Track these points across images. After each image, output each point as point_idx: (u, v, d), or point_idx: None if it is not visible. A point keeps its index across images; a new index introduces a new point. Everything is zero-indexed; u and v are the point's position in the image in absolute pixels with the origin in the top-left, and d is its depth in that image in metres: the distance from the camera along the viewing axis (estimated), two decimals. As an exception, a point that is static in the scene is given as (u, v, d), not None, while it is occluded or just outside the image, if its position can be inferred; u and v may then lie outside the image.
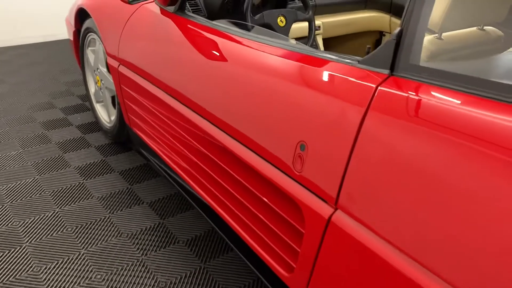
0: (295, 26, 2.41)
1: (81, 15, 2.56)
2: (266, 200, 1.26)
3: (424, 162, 0.84)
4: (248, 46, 1.39)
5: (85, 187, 2.17)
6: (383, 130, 0.93)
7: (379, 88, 0.98)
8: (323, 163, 1.04)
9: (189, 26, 1.67)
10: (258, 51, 1.35)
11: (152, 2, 1.94)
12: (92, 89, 2.71)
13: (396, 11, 2.74)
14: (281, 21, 2.02)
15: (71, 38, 2.83)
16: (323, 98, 1.09)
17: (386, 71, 1.01)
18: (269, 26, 2.00)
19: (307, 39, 2.14)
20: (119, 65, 2.04)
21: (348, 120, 1.01)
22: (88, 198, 2.09)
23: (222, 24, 1.59)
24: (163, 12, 1.83)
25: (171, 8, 1.81)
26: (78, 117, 2.95)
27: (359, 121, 0.98)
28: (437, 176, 0.81)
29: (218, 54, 1.48)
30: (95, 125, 2.82)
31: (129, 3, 1.58)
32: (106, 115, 2.61)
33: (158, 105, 1.79)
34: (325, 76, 1.11)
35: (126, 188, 2.17)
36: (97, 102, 2.68)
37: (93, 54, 2.53)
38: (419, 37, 0.98)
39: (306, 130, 1.09)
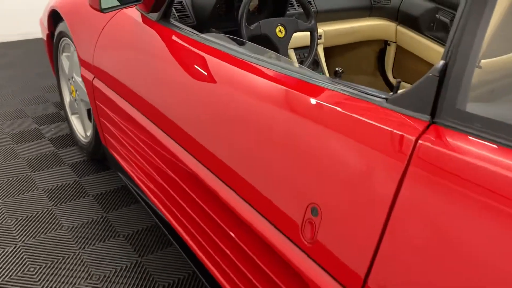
0: (295, 34, 2.17)
1: (55, 16, 2.29)
2: (263, 266, 1.01)
3: (488, 246, 0.61)
4: (242, 69, 1.14)
5: (53, 216, 1.91)
6: (427, 201, 0.69)
7: (419, 141, 0.75)
8: (343, 236, 0.80)
9: (173, 38, 1.41)
10: (254, 76, 1.10)
11: (133, 7, 1.67)
12: (67, 98, 2.44)
13: (403, 19, 2.50)
14: (280, 31, 1.78)
15: (45, 39, 2.55)
16: (342, 148, 0.84)
17: (426, 117, 0.78)
18: (267, 38, 1.76)
19: (309, 50, 1.90)
20: (93, 78, 1.78)
21: (378, 183, 0.77)
22: (56, 229, 1.83)
23: (212, 38, 1.33)
24: (144, 20, 1.57)
25: (153, 16, 1.55)
26: (52, 128, 2.67)
27: (394, 186, 0.74)
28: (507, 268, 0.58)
29: (206, 75, 1.23)
30: (70, 138, 2.55)
31: (102, 11, 1.32)
32: (81, 129, 2.34)
33: (136, 128, 1.54)
34: (344, 118, 0.87)
35: (100, 218, 1.91)
36: (72, 113, 2.41)
37: (68, 61, 2.26)
38: (469, 73, 0.74)
39: (319, 190, 0.85)
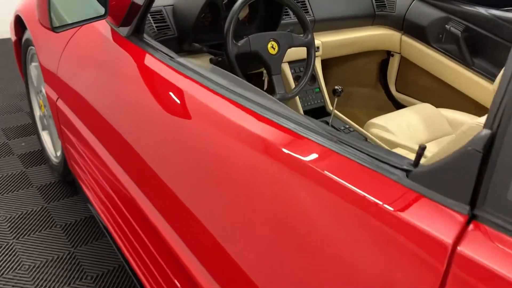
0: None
1: (22, 22, 2.04)
2: None
3: None
4: (224, 108, 0.92)
5: (14, 252, 1.68)
6: None
7: (458, 248, 0.53)
8: None
9: (144, 61, 1.18)
10: (237, 119, 0.88)
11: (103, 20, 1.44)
12: (37, 112, 2.20)
13: (409, 28, 2.28)
14: (272, 47, 1.55)
15: (14, 45, 2.31)
16: (346, 246, 0.63)
17: (463, 208, 0.57)
18: (257, 55, 1.53)
19: (305, 67, 1.67)
20: (57, 99, 1.55)
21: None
22: (15, 269, 1.60)
23: (189, 63, 1.11)
24: (114, 35, 1.34)
25: (124, 31, 1.32)
26: (22, 142, 2.43)
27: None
28: None
29: (178, 108, 1.01)
30: (41, 155, 2.31)
31: (53, 30, 1.09)
32: (52, 148, 2.10)
33: (97, 161, 1.31)
34: (350, 201, 0.65)
35: (67, 254, 1.69)
36: (43, 129, 2.18)
37: (37, 71, 2.03)
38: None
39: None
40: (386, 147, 1.80)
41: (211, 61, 1.53)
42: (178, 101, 1.03)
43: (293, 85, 1.94)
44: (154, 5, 1.62)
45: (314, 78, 2.05)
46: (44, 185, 2.07)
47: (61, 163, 1.93)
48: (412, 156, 1.64)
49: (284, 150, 0.77)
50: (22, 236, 1.76)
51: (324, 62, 2.18)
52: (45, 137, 2.16)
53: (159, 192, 1.04)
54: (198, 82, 1.02)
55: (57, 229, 1.80)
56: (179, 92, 1.04)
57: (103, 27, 1.38)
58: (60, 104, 1.51)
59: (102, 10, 1.14)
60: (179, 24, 1.64)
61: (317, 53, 2.06)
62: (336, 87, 1.81)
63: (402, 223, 0.58)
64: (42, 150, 2.29)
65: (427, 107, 2.06)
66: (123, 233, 1.28)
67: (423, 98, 2.37)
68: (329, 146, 0.74)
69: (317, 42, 2.06)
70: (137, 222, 1.16)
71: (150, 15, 1.60)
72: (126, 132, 1.17)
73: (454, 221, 0.55)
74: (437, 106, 2.23)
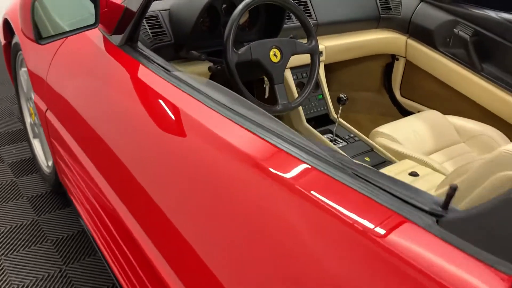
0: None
1: (10, 26, 1.95)
2: None
3: None
4: (223, 128, 0.84)
5: (2, 270, 1.59)
6: None
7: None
8: None
9: (137, 73, 1.10)
10: (236, 142, 0.80)
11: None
12: (27, 119, 2.11)
13: (415, 31, 2.20)
14: (274, 55, 1.46)
15: (3, 49, 2.21)
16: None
17: (510, 268, 0.49)
18: (259, 63, 1.44)
19: (308, 76, 1.58)
20: (46, 110, 1.46)
21: None
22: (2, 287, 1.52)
23: (187, 78, 1.02)
24: (106, 43, 1.25)
25: (116, 39, 1.23)
26: (13, 149, 2.34)
27: None
28: None
29: (171, 126, 0.93)
30: (32, 163, 2.22)
31: (39, 42, 1.00)
32: (43, 157, 2.02)
33: (91, 182, 1.23)
34: (370, 254, 0.57)
35: (58, 272, 1.60)
36: (34, 137, 2.09)
37: (27, 77, 1.93)
38: None
39: None
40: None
41: (210, 69, 1.44)
42: (173, 118, 0.95)
43: (295, 92, 1.85)
44: (149, 9, 1.53)
45: (317, 84, 1.97)
46: (35, 196, 1.98)
47: (53, 174, 1.85)
48: (421, 168, 1.53)
49: (287, 179, 0.68)
50: (11, 252, 1.67)
51: (327, 66, 2.09)
52: (36, 145, 2.07)
53: (147, 211, 0.95)
54: (195, 98, 0.94)
55: (48, 245, 1.72)
56: (174, 109, 0.95)
57: (95, 35, 1.29)
58: (50, 116, 1.42)
59: (92, 19, 1.05)
60: (176, 29, 1.55)
61: (320, 58, 1.98)
62: (341, 95, 1.73)
63: (434, 283, 0.50)
64: (33, 158, 2.20)
65: (433, 114, 1.98)
66: (112, 252, 1.19)
67: (428, 103, 2.29)
68: (343, 181, 0.66)
69: (321, 46, 1.97)
70: (125, 242, 1.07)
71: (145, 20, 1.51)
72: (118, 148, 1.08)
73: (497, 283, 0.47)
74: (443, 113, 2.15)
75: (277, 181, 0.70)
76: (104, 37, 1.27)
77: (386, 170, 1.57)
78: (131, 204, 1.03)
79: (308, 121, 1.91)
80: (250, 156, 0.76)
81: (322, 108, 1.96)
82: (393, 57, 2.36)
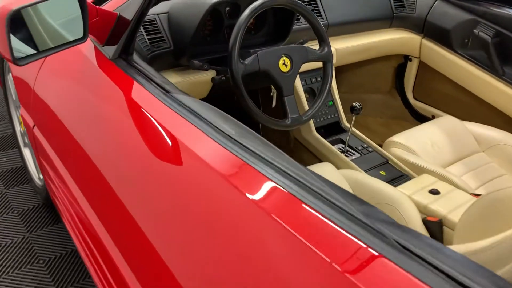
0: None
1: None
2: None
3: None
4: (225, 163, 0.71)
5: (-11, 295, 1.48)
6: None
7: None
8: None
9: (132, 95, 0.96)
10: (241, 182, 0.68)
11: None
12: (17, 127, 1.98)
13: (430, 31, 2.06)
14: (284, 64, 1.33)
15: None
16: None
17: None
18: (267, 74, 1.31)
19: (320, 87, 1.45)
20: (34, 126, 1.33)
21: None
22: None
23: (188, 101, 0.89)
24: (98, 56, 1.12)
25: (109, 51, 1.10)
26: (3, 157, 2.21)
27: None
28: None
29: (171, 159, 0.80)
30: (24, 172, 2.09)
31: (16, 63, 0.87)
32: (35, 168, 1.89)
33: (79, 208, 1.10)
34: None
35: (50, 297, 1.49)
36: (25, 146, 1.96)
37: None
38: None
39: None
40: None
41: (213, 80, 1.31)
42: (169, 148, 0.82)
43: (304, 101, 1.72)
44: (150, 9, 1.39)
45: (327, 89, 1.83)
46: (26, 210, 1.86)
47: (45, 187, 1.72)
48: (441, 185, 1.39)
49: (298, 238, 0.56)
50: (0, 274, 1.55)
51: (336, 68, 1.95)
52: (28, 155, 1.95)
53: (130, 239, 0.83)
54: (196, 127, 0.81)
55: (40, 266, 1.60)
56: (171, 137, 0.83)
57: (86, 45, 1.16)
58: (37, 132, 1.29)
59: (79, 32, 0.92)
60: (176, 35, 1.41)
61: (330, 62, 1.84)
62: (354, 104, 1.60)
63: None
64: (24, 168, 2.07)
65: (451, 121, 1.85)
66: (104, 275, 1.07)
67: (443, 108, 2.16)
68: (373, 245, 0.53)
69: (332, 49, 1.83)
70: (108, 265, 0.96)
71: (142, 25, 1.37)
72: (108, 174, 0.95)
73: None
74: (460, 118, 2.02)
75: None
76: (96, 48, 1.14)
77: (405, 188, 1.45)
78: (115, 232, 0.91)
79: (318, 130, 1.78)
80: (255, 207, 0.63)
81: (332, 116, 1.83)
82: (406, 58, 2.23)
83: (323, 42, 1.40)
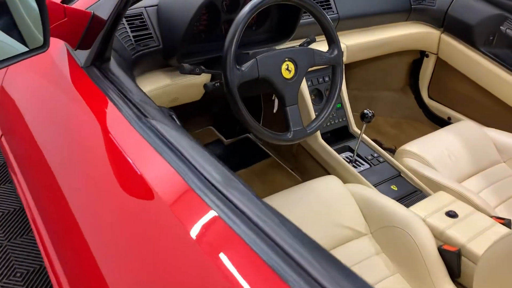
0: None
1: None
2: None
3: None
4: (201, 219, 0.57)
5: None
6: None
7: None
8: None
9: (102, 115, 0.81)
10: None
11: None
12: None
13: (451, 26, 1.87)
14: (287, 69, 1.16)
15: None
16: None
17: None
18: (267, 81, 1.14)
19: (329, 90, 1.28)
20: (1, 136, 1.18)
21: None
22: None
23: (166, 131, 0.73)
24: (70, 62, 0.96)
25: (81, 56, 0.94)
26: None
27: None
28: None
29: (134, 193, 0.66)
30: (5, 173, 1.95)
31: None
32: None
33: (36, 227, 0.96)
34: None
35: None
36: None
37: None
38: None
39: None
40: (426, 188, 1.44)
41: (205, 87, 1.14)
42: (133, 182, 0.67)
43: (310, 104, 1.55)
44: (132, 6, 1.22)
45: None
46: (5, 213, 1.72)
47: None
48: (460, 206, 1.22)
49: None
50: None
51: (345, 64, 1.78)
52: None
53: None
54: (168, 163, 0.66)
55: (17, 279, 1.47)
56: (137, 175, 0.67)
57: (57, 47, 1.00)
58: (5, 143, 1.14)
59: (39, 40, 0.75)
60: (165, 31, 1.24)
61: (340, 60, 1.66)
62: (365, 110, 1.43)
63: None
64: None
65: (468, 126, 1.68)
66: None
67: (460, 109, 1.99)
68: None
69: (342, 46, 1.65)
70: None
71: (126, 20, 1.20)
72: (69, 200, 0.81)
73: None
74: (479, 123, 1.85)
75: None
76: (68, 53, 0.98)
77: (419, 208, 1.30)
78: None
79: (324, 134, 1.62)
80: None
81: (340, 120, 1.66)
82: (423, 54, 2.04)
83: (333, 43, 1.23)
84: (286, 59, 1.15)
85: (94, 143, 0.77)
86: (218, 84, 1.14)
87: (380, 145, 2.00)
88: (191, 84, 1.31)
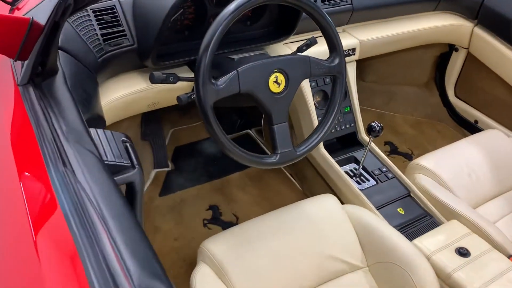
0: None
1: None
2: None
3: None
4: None
5: None
6: None
7: None
8: None
9: (26, 143, 0.67)
10: None
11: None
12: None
13: (486, 19, 1.63)
14: (276, 82, 0.98)
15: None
16: None
17: None
18: (252, 96, 0.97)
19: (327, 106, 1.09)
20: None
21: None
22: None
23: (95, 192, 0.58)
24: (8, 76, 0.82)
25: (19, 69, 0.79)
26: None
27: None
28: None
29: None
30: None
31: None
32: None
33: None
34: None
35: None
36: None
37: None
38: None
39: None
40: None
41: (179, 100, 0.98)
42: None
43: (313, 109, 1.37)
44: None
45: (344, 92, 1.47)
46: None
47: None
48: (475, 241, 1.04)
49: None
50: None
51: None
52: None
53: None
54: (73, 243, 0.52)
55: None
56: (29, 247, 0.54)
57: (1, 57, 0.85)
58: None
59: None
60: (142, 28, 1.08)
61: (350, 58, 1.46)
62: (373, 123, 1.25)
63: None
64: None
65: (497, 137, 1.47)
66: None
67: (490, 112, 1.76)
68: None
69: (353, 41, 1.45)
70: None
71: (94, 14, 1.04)
72: None
73: None
74: (509, 128, 1.64)
75: None
76: (11, 65, 0.83)
77: (426, 241, 1.13)
78: None
79: (328, 141, 1.45)
80: None
81: (348, 126, 1.48)
82: (451, 47, 1.81)
83: (335, 51, 1.03)
84: (275, 70, 0.97)
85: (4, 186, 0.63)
86: (194, 96, 0.98)
87: (394, 149, 1.81)
88: (172, 88, 1.16)
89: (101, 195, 0.57)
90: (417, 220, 1.27)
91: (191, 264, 1.30)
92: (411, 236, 1.23)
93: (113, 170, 0.70)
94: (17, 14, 0.95)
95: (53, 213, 0.57)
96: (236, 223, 1.46)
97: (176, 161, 1.66)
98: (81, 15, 1.01)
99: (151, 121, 1.62)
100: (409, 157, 1.77)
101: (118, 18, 1.07)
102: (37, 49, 0.74)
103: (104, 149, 0.73)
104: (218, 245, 1.01)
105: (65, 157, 0.62)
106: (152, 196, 1.52)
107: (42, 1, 0.79)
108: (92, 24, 1.03)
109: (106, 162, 0.69)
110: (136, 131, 1.58)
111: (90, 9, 1.03)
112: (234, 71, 0.93)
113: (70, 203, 0.56)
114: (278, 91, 0.98)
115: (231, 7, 0.90)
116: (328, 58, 1.05)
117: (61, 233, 0.54)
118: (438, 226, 1.25)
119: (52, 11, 0.70)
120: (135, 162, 0.76)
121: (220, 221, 1.45)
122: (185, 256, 1.33)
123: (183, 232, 1.40)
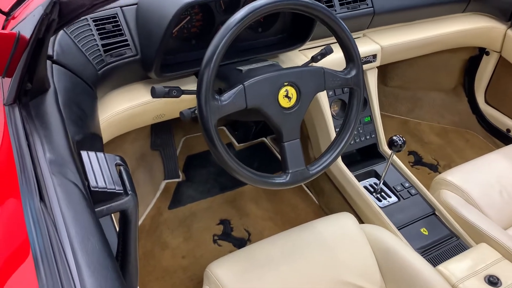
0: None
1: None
2: None
3: None
4: None
5: None
6: None
7: None
8: None
9: (5, 173, 0.61)
10: None
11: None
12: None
13: (520, 20, 1.51)
14: (286, 96, 0.90)
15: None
16: None
17: None
18: (260, 112, 0.89)
19: (343, 122, 1.00)
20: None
21: None
22: None
23: (70, 228, 0.52)
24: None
25: (5, 87, 0.74)
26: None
27: None
28: None
29: None
30: None
31: None
32: None
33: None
34: None
35: None
36: None
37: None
38: None
39: None
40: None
41: (182, 116, 0.91)
42: None
43: (330, 120, 1.29)
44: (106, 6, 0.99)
45: (364, 100, 1.38)
46: None
47: None
48: (505, 268, 0.97)
49: None
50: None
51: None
52: None
53: None
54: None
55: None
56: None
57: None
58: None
59: None
60: (145, 36, 1.01)
61: (371, 64, 1.37)
62: (394, 137, 1.16)
63: None
64: None
65: (532, 149, 1.36)
66: None
67: (525, 121, 1.64)
68: None
69: (374, 47, 1.35)
70: None
71: (94, 23, 0.98)
72: None
73: None
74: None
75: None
76: (1, 81, 0.78)
77: (452, 266, 1.04)
78: None
79: (346, 153, 1.36)
80: None
81: (368, 137, 1.39)
82: (482, 51, 1.69)
83: (352, 62, 0.95)
84: (285, 83, 0.89)
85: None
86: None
87: (419, 160, 1.70)
88: (180, 100, 1.09)
89: (77, 238, 0.51)
90: (442, 241, 1.17)
91: (198, 284, 1.24)
92: (435, 260, 1.14)
93: (102, 197, 0.64)
94: (12, 24, 0.90)
95: (23, 258, 0.51)
96: (248, 239, 1.39)
97: (187, 171, 1.60)
98: (80, 24, 0.96)
99: (161, 131, 1.56)
100: (434, 168, 1.67)
101: (121, 27, 1.01)
102: (21, 66, 0.69)
103: (94, 174, 0.67)
104: (224, 270, 0.95)
105: (44, 190, 0.56)
106: (161, 209, 1.46)
107: (28, 15, 0.74)
108: (92, 34, 0.97)
109: (95, 189, 0.63)
110: (144, 142, 1.53)
111: (90, 18, 0.97)
112: (240, 85, 0.85)
113: (42, 246, 0.50)
114: (289, 106, 0.91)
115: (237, 16, 0.83)
116: (344, 69, 0.96)
117: (28, 280, 0.48)
118: (465, 249, 1.15)
119: (34, 27, 0.64)
120: (128, 188, 0.69)
121: (231, 237, 1.39)
122: (192, 275, 1.27)
123: (192, 249, 1.34)
